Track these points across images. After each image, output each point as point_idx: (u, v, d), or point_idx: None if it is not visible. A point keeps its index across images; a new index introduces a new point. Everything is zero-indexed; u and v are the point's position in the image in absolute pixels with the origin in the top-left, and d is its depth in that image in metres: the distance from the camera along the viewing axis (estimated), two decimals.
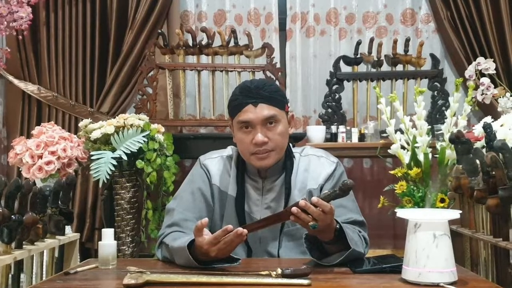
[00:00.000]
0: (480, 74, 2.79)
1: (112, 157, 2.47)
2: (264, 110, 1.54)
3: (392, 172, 2.50)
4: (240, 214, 1.60)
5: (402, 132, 2.54)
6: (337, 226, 1.41)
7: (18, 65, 3.30)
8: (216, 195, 1.64)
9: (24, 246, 1.56)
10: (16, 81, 3.28)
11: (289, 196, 1.60)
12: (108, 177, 2.45)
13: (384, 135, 2.83)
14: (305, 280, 1.20)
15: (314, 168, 1.64)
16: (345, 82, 3.21)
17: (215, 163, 1.68)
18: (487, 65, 2.76)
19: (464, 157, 1.79)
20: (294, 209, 1.32)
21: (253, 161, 1.57)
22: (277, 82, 3.05)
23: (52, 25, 3.30)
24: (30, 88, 3.28)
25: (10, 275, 1.51)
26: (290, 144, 1.68)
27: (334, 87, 3.18)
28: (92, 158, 2.50)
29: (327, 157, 1.67)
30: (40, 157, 2.46)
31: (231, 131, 1.65)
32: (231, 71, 3.12)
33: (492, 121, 2.08)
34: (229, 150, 1.72)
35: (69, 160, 2.53)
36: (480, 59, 2.82)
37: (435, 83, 3.17)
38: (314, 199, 1.32)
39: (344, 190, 1.33)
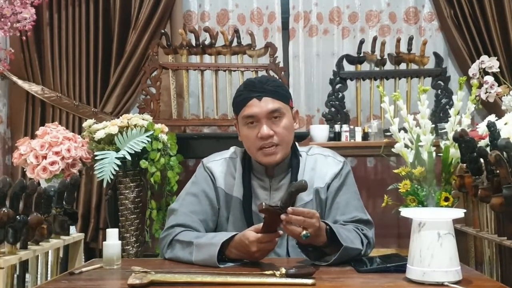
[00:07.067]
0: (484, 72, 2.78)
1: (116, 157, 2.48)
2: (269, 103, 1.54)
3: (395, 171, 2.49)
4: (248, 215, 1.59)
5: (405, 131, 2.53)
6: (327, 227, 1.41)
7: (22, 66, 3.31)
8: (222, 198, 1.63)
9: (29, 247, 1.56)
10: (20, 82, 3.29)
11: None
12: (112, 177, 2.46)
13: (388, 134, 2.81)
14: (309, 279, 1.20)
15: (321, 167, 1.62)
16: (348, 81, 3.21)
17: (219, 165, 1.66)
18: (491, 63, 2.75)
19: (468, 156, 1.78)
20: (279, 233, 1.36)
21: (260, 157, 1.56)
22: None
23: (55, 26, 3.31)
24: (34, 88, 3.29)
25: (15, 275, 1.52)
26: (296, 143, 1.68)
27: (337, 86, 3.18)
28: (96, 158, 2.51)
29: (334, 156, 1.66)
30: (45, 157, 2.47)
31: (237, 130, 1.64)
32: (234, 70, 3.12)
33: (496, 120, 2.07)
34: (232, 151, 1.70)
35: (73, 160, 2.54)
36: (484, 57, 2.81)
37: (439, 82, 3.16)
38: (289, 209, 1.31)
39: (298, 189, 1.32)
